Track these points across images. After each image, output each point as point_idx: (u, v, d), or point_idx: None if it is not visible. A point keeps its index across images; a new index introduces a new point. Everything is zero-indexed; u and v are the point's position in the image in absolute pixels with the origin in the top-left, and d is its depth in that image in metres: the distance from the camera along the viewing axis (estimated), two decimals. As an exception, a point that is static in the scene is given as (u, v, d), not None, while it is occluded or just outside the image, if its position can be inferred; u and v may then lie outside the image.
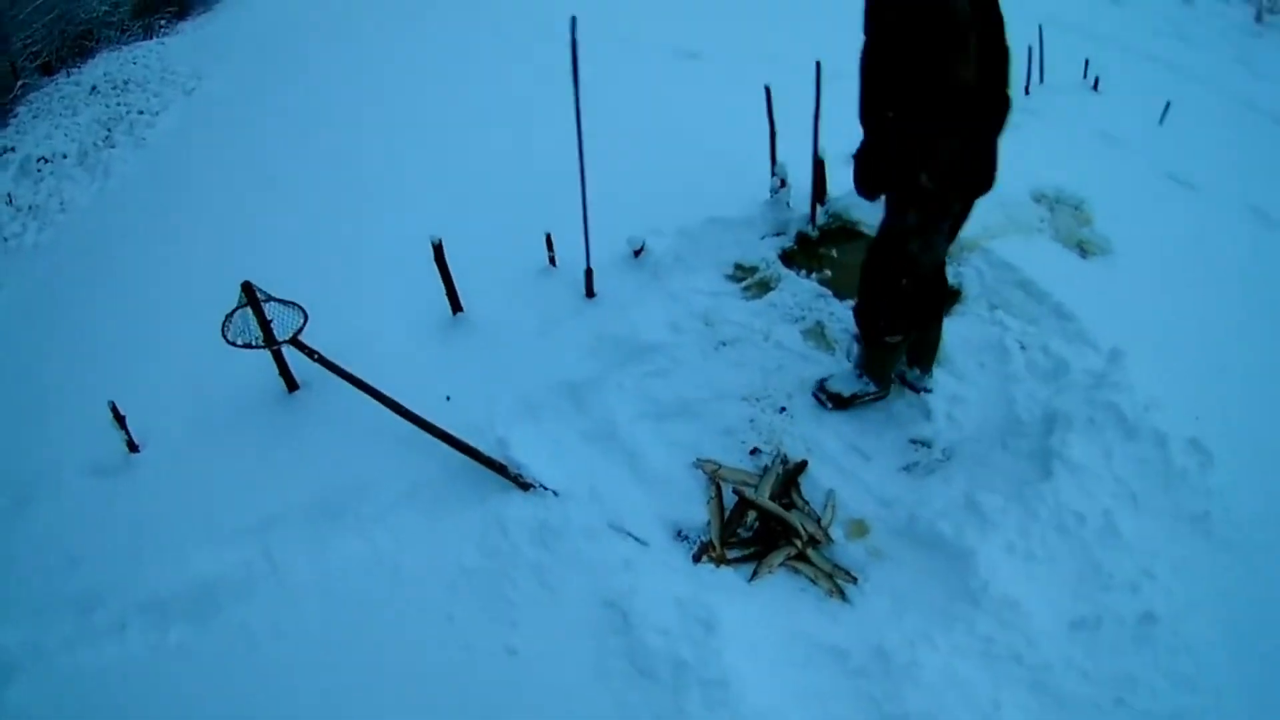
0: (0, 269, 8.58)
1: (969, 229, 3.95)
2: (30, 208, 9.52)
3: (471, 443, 4.17)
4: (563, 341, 5.05)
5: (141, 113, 10.98)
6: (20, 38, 14.72)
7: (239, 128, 9.67)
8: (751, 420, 4.38)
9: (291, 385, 4.95)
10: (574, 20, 4.20)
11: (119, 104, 11.55)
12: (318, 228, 6.81)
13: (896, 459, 4.11)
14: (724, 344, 4.85)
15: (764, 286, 5.23)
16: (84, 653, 3.80)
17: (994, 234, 5.34)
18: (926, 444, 4.14)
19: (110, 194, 9.31)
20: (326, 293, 5.30)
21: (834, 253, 5.53)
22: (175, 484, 4.60)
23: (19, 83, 13.95)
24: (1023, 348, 4.49)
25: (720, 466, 4.12)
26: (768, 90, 5.48)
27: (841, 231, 5.70)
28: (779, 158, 5.72)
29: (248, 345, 4.37)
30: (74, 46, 15.78)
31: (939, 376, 4.35)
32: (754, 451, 4.24)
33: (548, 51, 7.19)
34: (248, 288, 4.24)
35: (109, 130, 10.74)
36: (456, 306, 5.30)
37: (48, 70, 14.84)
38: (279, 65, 11.43)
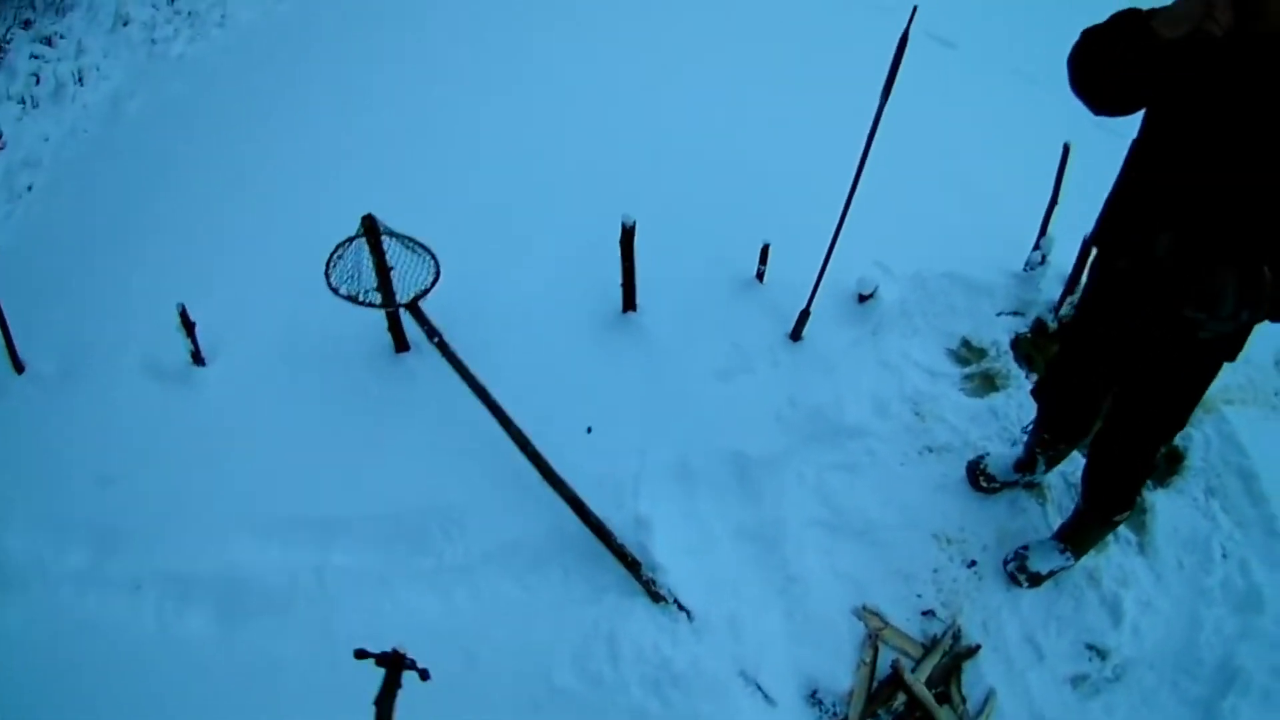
0: (140, 72, 7.89)
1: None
2: (189, 13, 8.66)
3: (607, 508, 3.59)
4: (748, 394, 4.27)
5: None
6: None
7: None
8: (935, 570, 3.81)
9: (401, 345, 4.23)
10: (915, 9, 3.20)
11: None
12: (480, 151, 5.72)
13: (1069, 664, 3.57)
14: (930, 450, 4.23)
15: (989, 382, 4.57)
16: (91, 597, 3.51)
17: (1230, 397, 4.59)
18: (1102, 654, 3.61)
19: (276, 20, 8.35)
20: (471, 235, 4.77)
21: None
22: (234, 427, 4.09)
23: None
24: (1224, 555, 3.93)
25: (886, 625, 3.60)
26: (1065, 149, 4.42)
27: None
28: (1050, 229, 4.83)
29: (352, 299, 3.77)
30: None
31: (1139, 565, 3.86)
32: (927, 614, 3.69)
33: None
34: (369, 221, 3.56)
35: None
36: (630, 303, 4.42)
37: None
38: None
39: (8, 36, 8.73)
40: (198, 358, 4.24)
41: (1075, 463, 4.01)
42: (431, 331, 3.71)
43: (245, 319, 4.59)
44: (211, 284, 4.79)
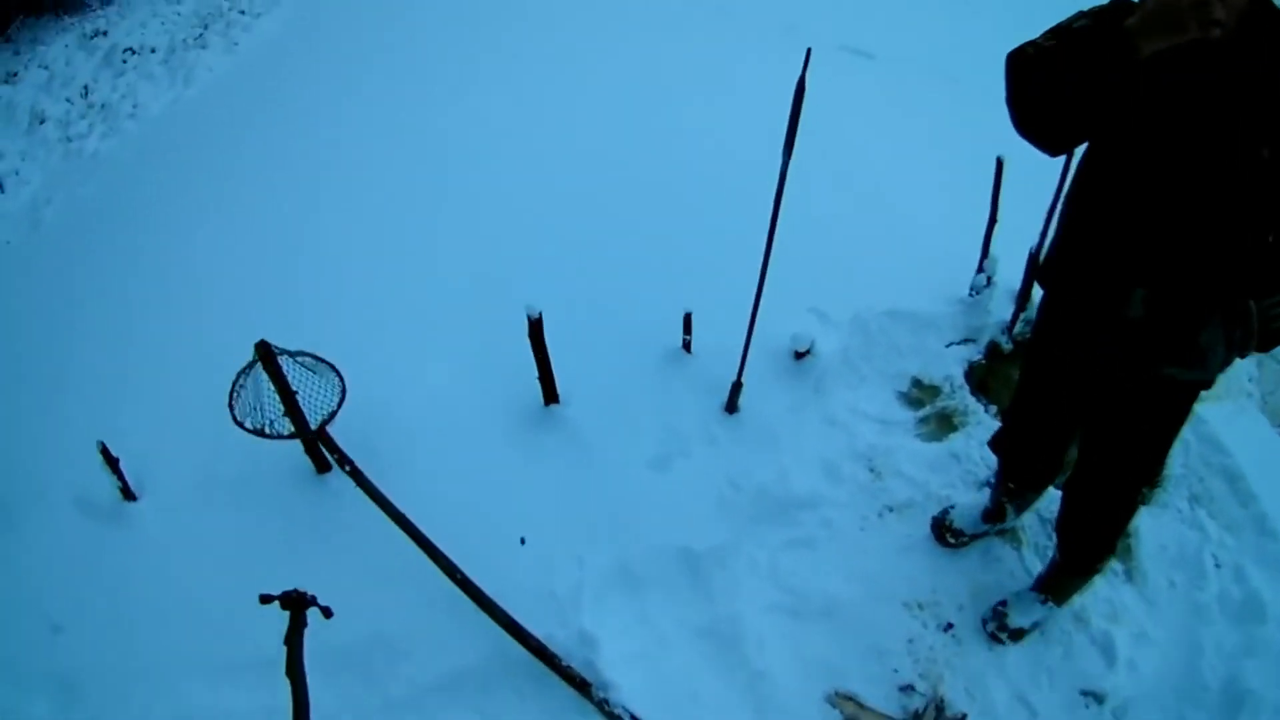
0: (56, 175, 7.69)
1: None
2: (102, 105, 8.54)
3: (549, 625, 3.38)
4: (687, 481, 4.01)
5: (243, 12, 9.83)
6: None
7: (337, 55, 8.32)
8: (910, 640, 3.54)
9: (322, 466, 3.97)
10: (809, 53, 2.88)
11: (224, -2, 10.43)
12: (384, 230, 5.51)
13: (1066, 716, 3.33)
14: (890, 510, 3.96)
15: (946, 422, 4.30)
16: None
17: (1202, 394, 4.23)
18: (1099, 698, 3.39)
19: (183, 107, 8.20)
20: (374, 335, 4.62)
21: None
22: (171, 564, 3.91)
23: None
24: (1217, 565, 3.72)
25: (863, 708, 3.35)
26: (999, 164, 4.12)
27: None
28: (991, 248, 4.59)
29: (258, 432, 3.61)
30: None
31: (1128, 595, 3.63)
32: (906, 689, 3.42)
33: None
34: (263, 348, 3.31)
35: (205, 27, 9.63)
36: (551, 395, 4.14)
37: None
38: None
39: None
40: (127, 493, 4.07)
41: (1051, 497, 3.77)
42: (342, 460, 3.51)
43: (169, 447, 4.36)
44: (136, 408, 4.62)
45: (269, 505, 4.06)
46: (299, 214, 5.88)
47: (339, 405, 3.63)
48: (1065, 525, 3.26)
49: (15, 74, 9.56)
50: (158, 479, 4.26)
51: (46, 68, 9.49)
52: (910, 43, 7.30)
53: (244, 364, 3.67)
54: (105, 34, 9.98)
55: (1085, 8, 2.09)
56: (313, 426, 3.58)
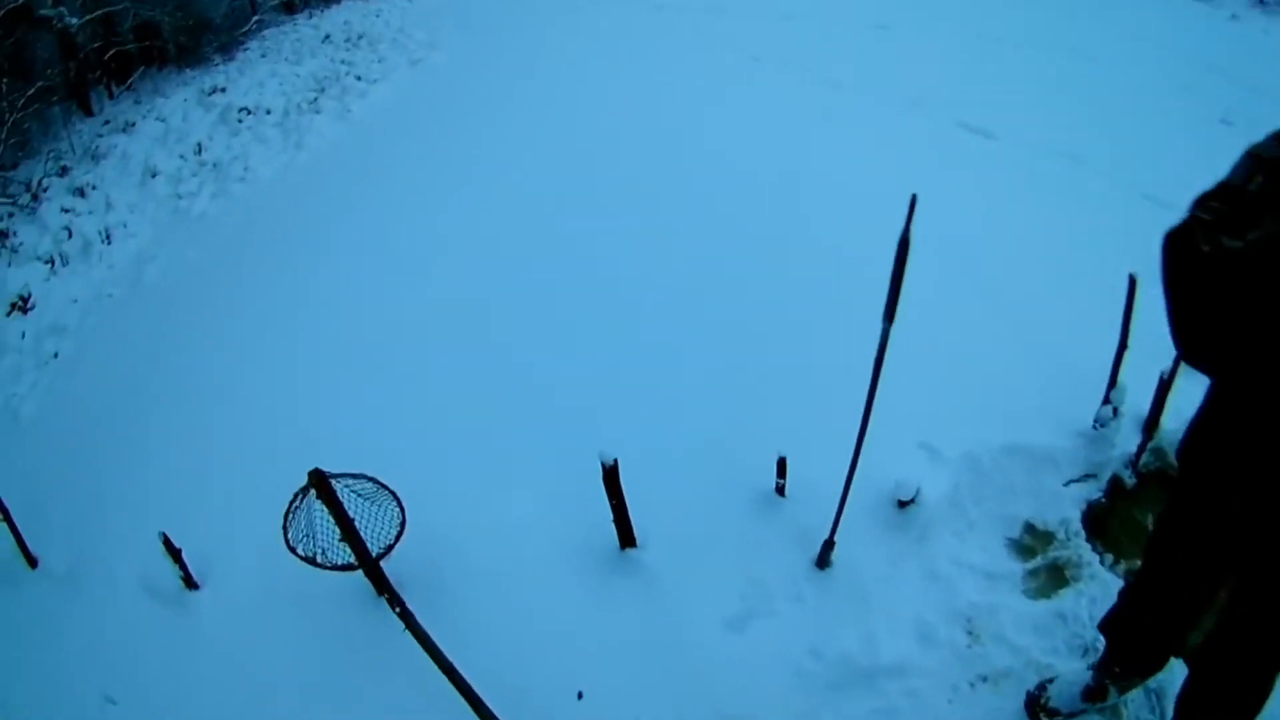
0: (163, 232, 7.92)
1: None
2: (214, 165, 8.70)
3: None
4: (766, 645, 3.67)
5: (359, 78, 10.03)
6: None
7: (444, 131, 8.37)
8: None
9: (380, 588, 3.71)
10: (913, 201, 2.53)
11: (342, 61, 10.62)
12: (464, 363, 5.29)
13: None
14: (984, 679, 3.57)
15: (1057, 575, 3.90)
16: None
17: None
18: None
19: (294, 172, 8.40)
20: (445, 458, 4.51)
21: (1150, 520, 4.05)
22: (226, 656, 3.89)
23: (255, 17, 13.28)
24: None
25: None
26: (1132, 283, 3.78)
27: (1164, 479, 4.19)
28: (1120, 375, 4.17)
29: (310, 560, 3.47)
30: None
31: None
32: None
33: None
34: (316, 477, 3.16)
35: (320, 91, 9.81)
36: (627, 539, 3.86)
37: (290, 8, 14.08)
38: (524, 47, 10.15)
39: (44, 185, 8.76)
40: (189, 581, 4.12)
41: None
42: (394, 600, 3.29)
43: (234, 541, 4.32)
44: (205, 496, 4.64)
45: (325, 618, 3.88)
46: (389, 315, 5.83)
47: (397, 539, 3.49)
48: (1193, 703, 2.81)
49: (134, 124, 9.82)
50: (224, 570, 4.25)
51: (164, 120, 9.73)
52: (1033, 121, 7.04)
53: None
54: (223, 90, 10.23)
55: (1254, 146, 1.77)
56: (367, 559, 3.42)
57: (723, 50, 9.26)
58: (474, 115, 8.51)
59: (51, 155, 9.64)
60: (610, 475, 3.52)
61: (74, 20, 10.81)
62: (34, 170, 9.36)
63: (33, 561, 4.71)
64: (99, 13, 11.29)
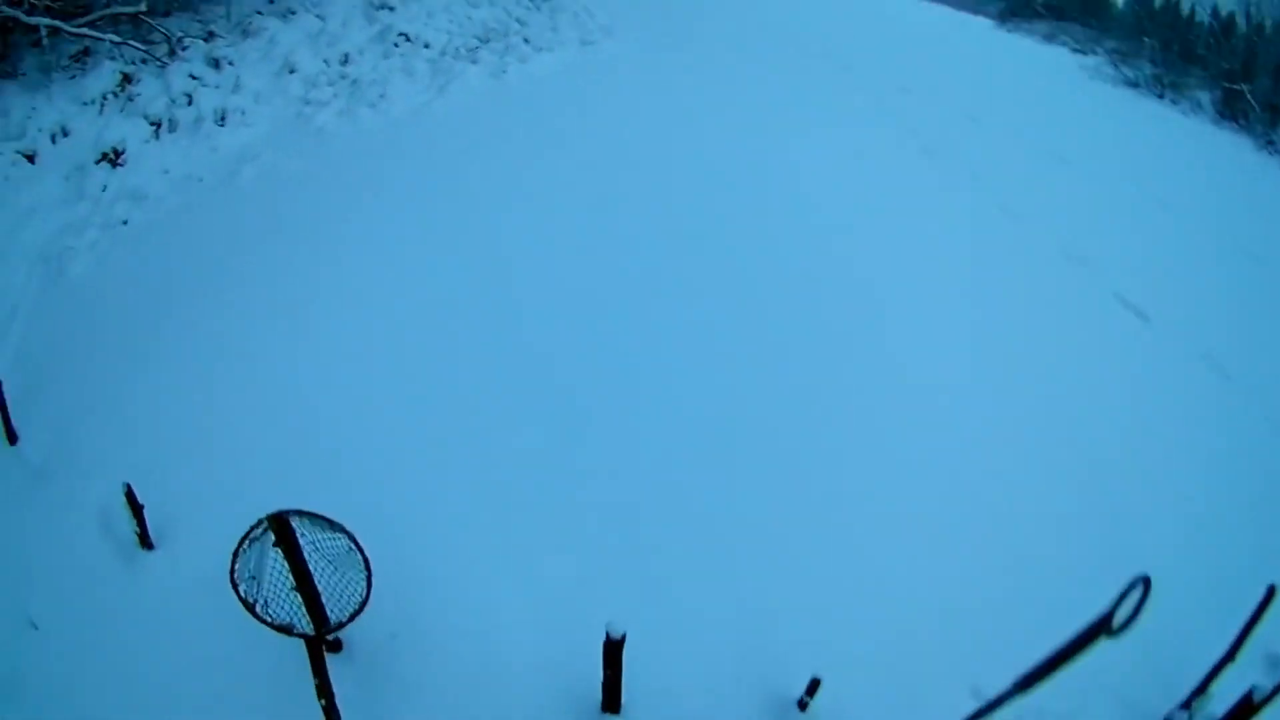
0: (277, 132, 7.63)
1: None
2: (354, 81, 8.45)
3: None
4: None
5: (527, 41, 9.64)
6: None
7: (586, 126, 7.93)
8: None
9: (317, 669, 3.09)
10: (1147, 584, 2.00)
11: (517, 20, 10.26)
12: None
13: None
14: None
15: None
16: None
17: None
18: None
19: (427, 116, 8.03)
20: (435, 532, 3.98)
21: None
22: (154, 640, 3.56)
23: None
24: None
25: None
26: (1270, 593, 3.34)
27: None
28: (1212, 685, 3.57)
29: (248, 606, 2.91)
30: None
31: None
32: None
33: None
34: (279, 526, 2.82)
35: (484, 42, 9.45)
36: (613, 704, 3.32)
37: None
38: (700, 63, 9.55)
39: (184, 44, 8.48)
40: (145, 540, 3.84)
41: None
42: (323, 689, 2.75)
43: (207, 507, 3.97)
44: (200, 439, 4.39)
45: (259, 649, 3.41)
46: (449, 314, 5.36)
47: (350, 618, 2.98)
48: None
49: (294, 13, 9.48)
50: (181, 540, 3.90)
51: (323, 19, 9.37)
52: (1190, 310, 6.50)
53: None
54: (391, 9, 9.86)
55: None
56: (312, 635, 2.95)
57: (901, 136, 8.66)
58: (625, 118, 8.04)
59: (203, 16, 9.36)
60: (613, 648, 2.98)
61: None
62: (181, 25, 9.09)
63: (13, 437, 4.52)
64: None
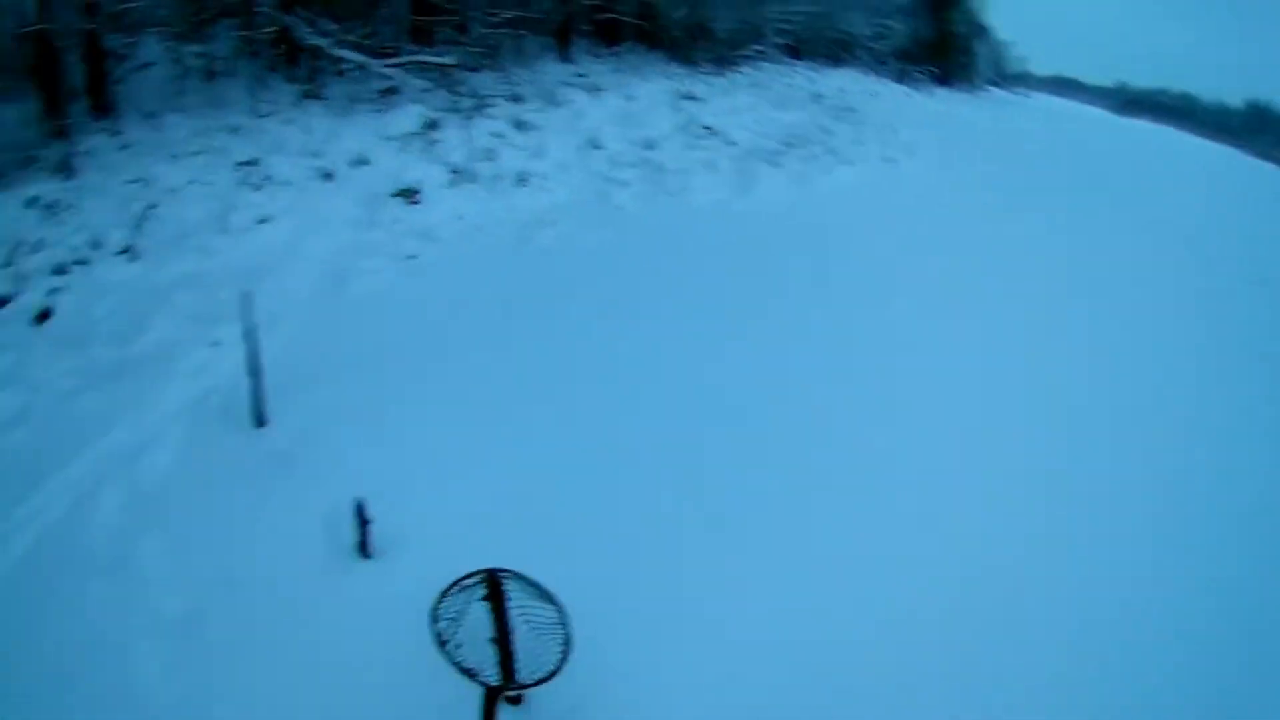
0: (575, 203, 7.49)
1: None
2: (658, 166, 8.35)
3: None
4: None
5: (832, 152, 9.22)
6: (777, 10, 13.89)
7: (871, 249, 7.39)
8: None
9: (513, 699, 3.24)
10: None
11: (822, 129, 9.95)
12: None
13: None
14: None
15: None
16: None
17: None
18: None
19: (724, 216, 7.74)
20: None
21: None
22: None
23: (757, 45, 13.17)
24: None
25: None
26: None
27: None
28: None
29: (439, 640, 2.98)
30: (826, 47, 14.91)
31: None
32: None
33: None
34: (492, 583, 3.04)
35: (788, 147, 9.14)
36: None
37: (794, 52, 13.77)
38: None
39: (490, 101, 8.47)
40: (364, 549, 3.97)
41: None
42: None
43: (443, 534, 3.99)
44: (435, 473, 4.39)
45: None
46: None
47: (536, 682, 2.95)
48: None
49: (601, 90, 9.46)
50: (403, 557, 3.95)
51: (631, 99, 9.33)
52: None
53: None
54: (696, 100, 9.72)
55: None
56: (495, 688, 2.95)
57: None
58: (933, 242, 7.36)
59: (511, 79, 9.46)
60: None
61: None
62: (489, 84, 9.38)
63: (261, 421, 4.85)
64: None
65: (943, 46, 21.40)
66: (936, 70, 19.98)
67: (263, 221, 7.32)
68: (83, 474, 4.77)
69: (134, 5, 10.77)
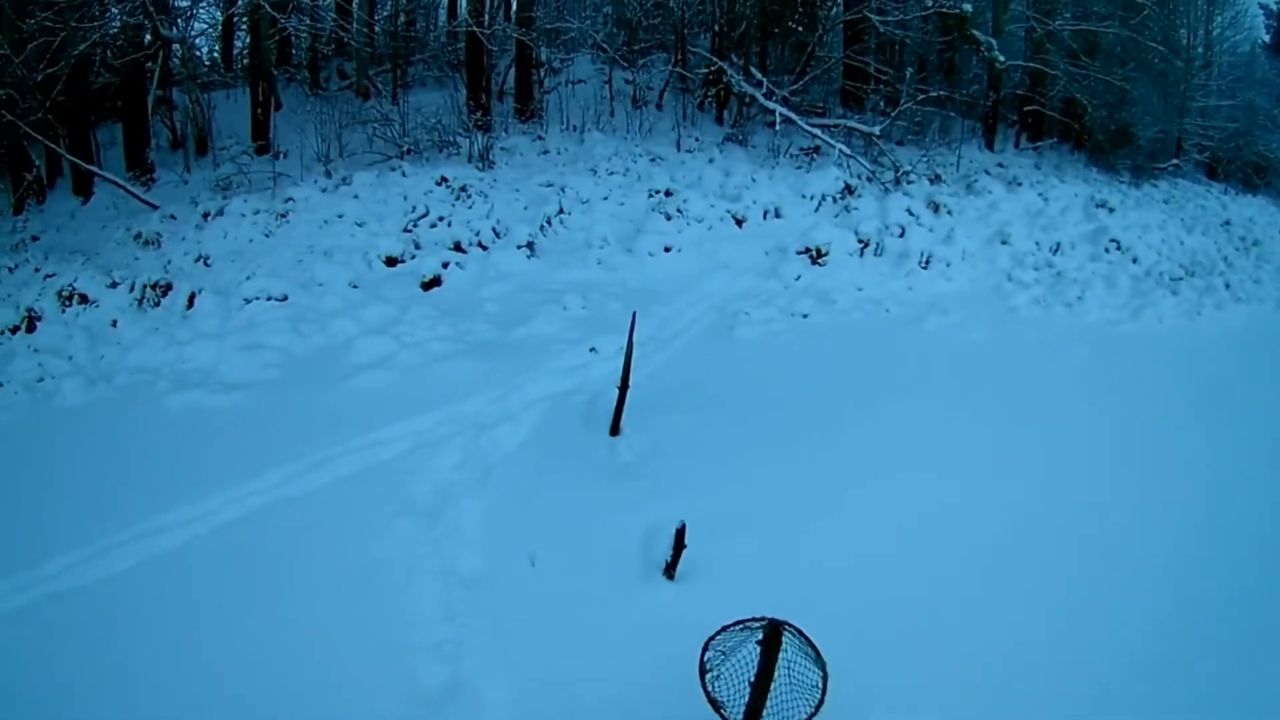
0: (983, 315, 7.29)
1: None
2: (1059, 274, 8.10)
3: None
4: None
5: (1228, 286, 8.66)
6: (1197, 123, 13.71)
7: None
8: None
9: None
10: None
11: (1224, 257, 9.46)
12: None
13: None
14: None
15: None
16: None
17: None
18: None
19: (1118, 338, 7.36)
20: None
21: None
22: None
23: (1174, 160, 13.02)
24: None
25: None
26: None
27: None
28: None
29: (700, 670, 3.17)
30: (1242, 170, 14.20)
31: None
32: None
33: None
34: (775, 630, 3.00)
35: (1187, 274, 8.61)
36: None
37: (1211, 172, 13.99)
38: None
39: (911, 177, 8.77)
40: (670, 571, 4.08)
41: None
42: None
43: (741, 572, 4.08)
44: (760, 518, 4.47)
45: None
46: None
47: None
48: None
49: (1019, 184, 9.30)
50: (709, 589, 3.97)
51: (1044, 200, 9.12)
52: None
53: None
54: (1111, 211, 9.41)
55: None
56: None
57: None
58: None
59: (932, 158, 9.88)
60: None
61: (1001, 57, 10.77)
62: (910, 158, 9.64)
63: (616, 430, 5.18)
64: (1028, 64, 11.53)
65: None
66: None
67: (667, 250, 7.83)
68: (430, 426, 5.21)
69: (571, 25, 11.97)
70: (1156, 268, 8.55)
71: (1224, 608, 4.03)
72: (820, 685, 3.12)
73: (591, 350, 6.04)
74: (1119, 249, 8.58)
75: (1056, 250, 8.36)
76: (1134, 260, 8.52)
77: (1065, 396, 5.84)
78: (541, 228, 7.93)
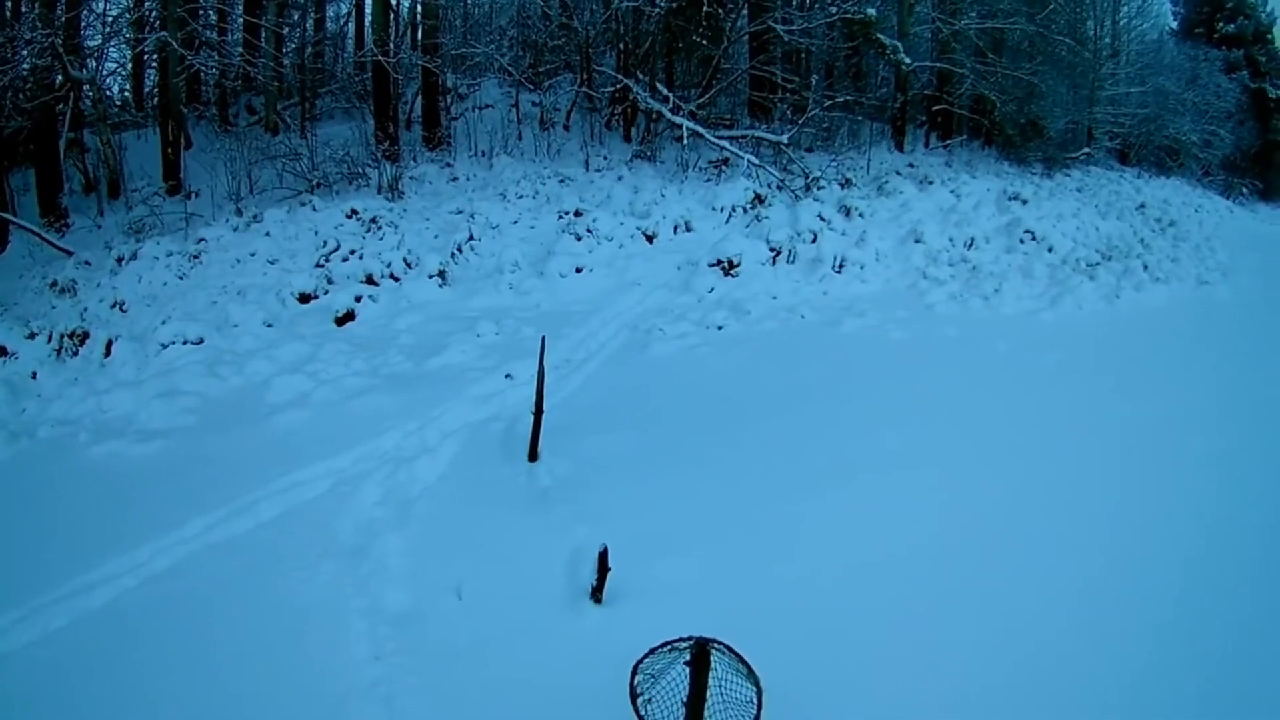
0: (900, 314, 7.32)
1: None
2: (975, 268, 8.23)
3: None
4: None
5: (1145, 267, 8.84)
6: (1108, 111, 14.14)
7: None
8: None
9: None
10: None
11: (1140, 240, 9.68)
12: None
13: None
14: None
15: None
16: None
17: None
18: None
19: (1037, 327, 7.40)
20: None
21: None
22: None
23: (1085, 149, 13.30)
24: None
25: None
26: None
27: None
28: None
29: (631, 694, 3.12)
30: (1154, 153, 14.43)
31: None
32: None
33: None
34: (701, 649, 3.01)
35: (1104, 259, 8.81)
36: None
37: (1123, 158, 13.81)
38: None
39: (821, 183, 8.83)
40: (597, 595, 4.07)
41: None
42: None
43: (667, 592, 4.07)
44: (684, 536, 4.46)
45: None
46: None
47: None
48: None
49: (930, 183, 9.42)
50: (634, 614, 3.94)
51: (957, 197, 9.21)
52: None
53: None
54: (1024, 203, 9.50)
55: None
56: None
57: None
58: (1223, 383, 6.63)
59: (842, 163, 9.90)
60: None
61: (907, 60, 10.95)
62: (820, 164, 9.64)
63: (534, 455, 5.14)
64: (935, 65, 11.68)
65: (1267, 157, 20.06)
66: (1260, 184, 18.72)
67: (579, 271, 7.88)
68: (349, 464, 5.20)
69: (476, 50, 11.97)
70: (1073, 255, 8.67)
71: (1154, 589, 3.94)
72: (755, 701, 3.11)
73: (507, 377, 6.02)
74: (1034, 239, 8.71)
75: (971, 245, 8.51)
76: (1049, 249, 8.65)
77: (987, 389, 5.85)
78: (452, 255, 7.93)
